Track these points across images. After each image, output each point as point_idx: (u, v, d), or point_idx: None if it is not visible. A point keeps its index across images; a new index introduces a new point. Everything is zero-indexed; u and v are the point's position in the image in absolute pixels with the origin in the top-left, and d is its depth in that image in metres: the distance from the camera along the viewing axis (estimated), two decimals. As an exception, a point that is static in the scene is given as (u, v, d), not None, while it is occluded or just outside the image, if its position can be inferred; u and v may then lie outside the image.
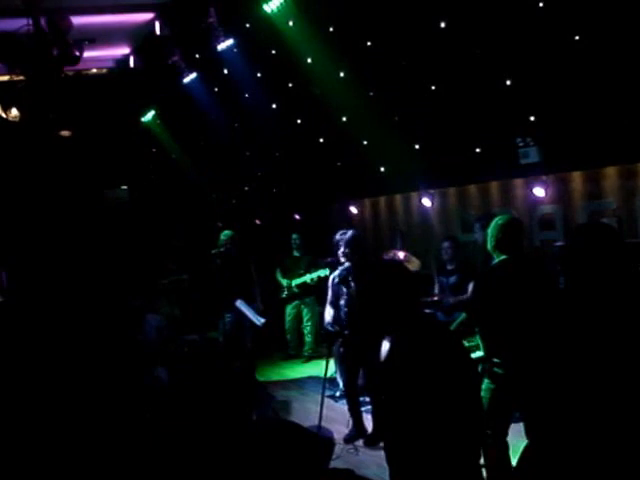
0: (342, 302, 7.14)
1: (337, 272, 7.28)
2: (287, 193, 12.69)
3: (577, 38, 6.82)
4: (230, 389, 6.76)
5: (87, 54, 7.92)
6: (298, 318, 11.32)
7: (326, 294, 7.46)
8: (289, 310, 11.32)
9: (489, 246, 5.30)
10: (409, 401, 3.27)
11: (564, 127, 7.48)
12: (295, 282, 11.06)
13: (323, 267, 10.41)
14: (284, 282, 11.17)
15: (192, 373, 7.88)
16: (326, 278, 10.37)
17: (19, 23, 7.23)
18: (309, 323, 11.17)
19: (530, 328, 4.15)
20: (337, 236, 7.18)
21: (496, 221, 5.33)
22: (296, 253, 11.28)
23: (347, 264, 7.15)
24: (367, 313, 5.45)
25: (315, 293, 11.04)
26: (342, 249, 7.07)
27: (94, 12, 8.42)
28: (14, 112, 7.68)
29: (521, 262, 5.22)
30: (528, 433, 3.55)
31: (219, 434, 4.93)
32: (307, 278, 10.89)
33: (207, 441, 4.83)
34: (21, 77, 7.57)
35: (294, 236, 11.28)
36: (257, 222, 13.52)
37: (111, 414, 5.95)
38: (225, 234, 9.40)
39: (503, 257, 5.20)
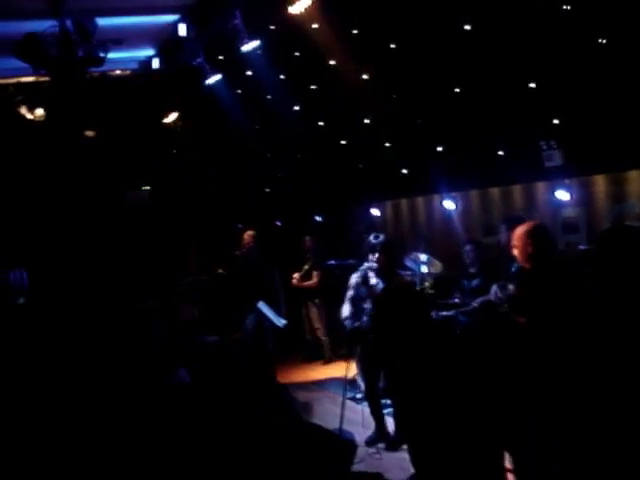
0: (366, 305, 7.11)
1: (358, 272, 7.25)
2: (308, 195, 12.69)
3: (602, 41, 6.78)
4: (250, 391, 6.76)
5: (111, 55, 7.94)
6: (310, 320, 11.34)
7: (334, 295, 7.45)
8: (303, 312, 11.35)
9: (521, 256, 5.21)
10: (425, 404, 3.27)
11: (588, 130, 7.44)
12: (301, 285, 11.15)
13: (321, 270, 10.50)
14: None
15: (212, 374, 7.89)
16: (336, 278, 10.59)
17: (45, 24, 7.27)
18: (319, 325, 11.17)
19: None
20: (371, 239, 7.15)
21: (520, 229, 5.24)
22: (308, 255, 11.32)
23: (367, 264, 7.14)
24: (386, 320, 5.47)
25: (320, 295, 11.08)
26: (376, 254, 7.05)
27: (119, 13, 8.45)
28: (39, 112, 7.74)
29: (556, 267, 5.14)
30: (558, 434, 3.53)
31: (239, 436, 4.93)
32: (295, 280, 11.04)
33: (227, 442, 4.82)
34: (46, 78, 7.62)
35: (307, 238, 11.32)
36: (277, 224, 13.53)
37: (131, 414, 5.96)
38: (248, 234, 9.43)
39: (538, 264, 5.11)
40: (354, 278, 7.36)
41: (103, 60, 7.46)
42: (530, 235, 5.09)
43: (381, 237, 7.14)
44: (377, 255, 7.01)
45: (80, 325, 8.34)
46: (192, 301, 10.78)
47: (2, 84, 9.75)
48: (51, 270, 11.40)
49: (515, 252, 5.25)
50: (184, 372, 7.67)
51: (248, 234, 9.46)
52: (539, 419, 4.94)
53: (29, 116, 7.78)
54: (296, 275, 11.05)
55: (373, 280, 7.11)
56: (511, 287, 7.22)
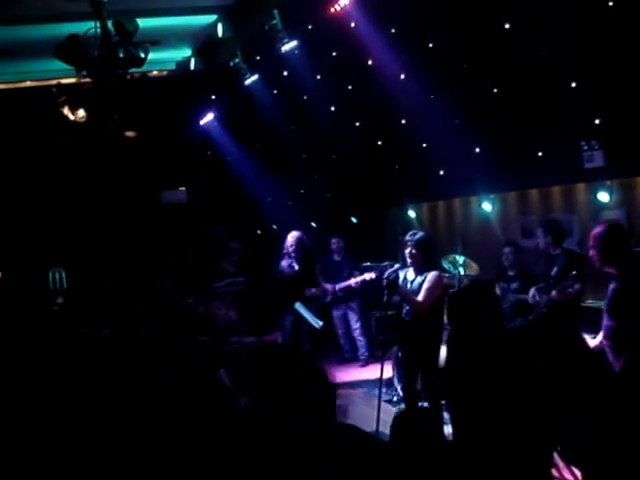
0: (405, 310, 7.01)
1: (388, 272, 7.13)
2: (344, 196, 12.66)
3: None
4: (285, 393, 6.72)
5: (148, 56, 7.99)
6: (346, 322, 11.29)
7: (370, 298, 7.31)
8: (336, 314, 11.30)
9: (596, 258, 5.15)
10: (472, 406, 3.26)
11: (631, 130, 7.32)
12: (339, 286, 11.06)
13: (365, 270, 10.45)
14: (327, 286, 11.15)
15: (249, 375, 7.86)
16: (371, 281, 10.48)
17: (86, 26, 7.34)
18: (357, 326, 11.14)
19: None
20: (407, 237, 7.05)
21: (598, 230, 5.19)
22: (336, 257, 11.27)
23: (397, 265, 7.06)
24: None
25: (360, 297, 11.02)
26: (409, 249, 6.95)
27: (158, 14, 8.53)
28: (81, 113, 7.82)
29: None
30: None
31: (273, 436, 4.88)
32: (352, 282, 10.92)
33: (260, 442, 4.79)
34: (87, 79, 7.69)
35: (334, 240, 11.29)
36: (312, 225, 13.51)
37: (175, 411, 5.96)
38: (291, 235, 9.40)
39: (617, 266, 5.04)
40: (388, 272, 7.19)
41: (144, 61, 7.50)
42: (611, 235, 5.04)
43: (419, 234, 7.05)
44: (409, 249, 6.94)
45: (117, 323, 8.39)
46: (230, 302, 10.79)
47: (45, 86, 9.92)
48: (89, 270, 11.53)
49: (592, 253, 5.18)
50: (224, 373, 7.66)
51: (291, 235, 9.43)
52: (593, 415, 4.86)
53: (71, 117, 7.85)
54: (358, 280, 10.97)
55: (410, 275, 7.01)
56: (554, 293, 7.12)
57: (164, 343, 7.63)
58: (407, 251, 6.93)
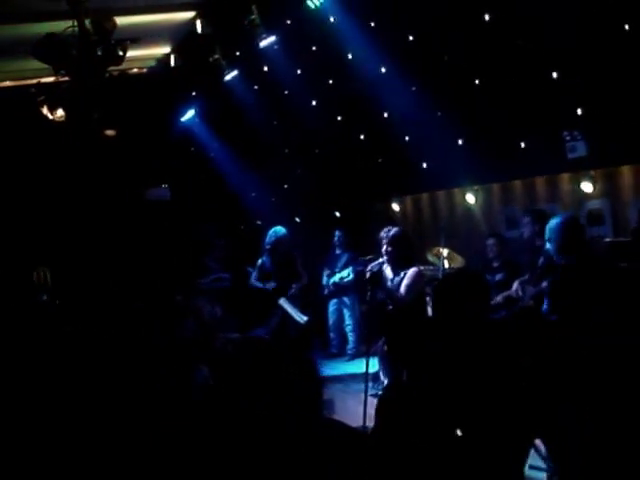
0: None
1: (371, 265, 7.12)
2: (327, 191, 12.63)
3: (627, 27, 6.68)
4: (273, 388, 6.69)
5: (128, 53, 7.93)
6: (340, 316, 11.28)
7: (367, 293, 7.33)
8: (331, 308, 11.30)
9: (553, 249, 5.15)
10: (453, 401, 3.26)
11: (613, 120, 7.34)
12: (332, 280, 11.05)
13: (361, 264, 10.43)
14: (324, 280, 11.17)
15: (234, 371, 7.81)
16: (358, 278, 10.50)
17: (63, 25, 7.28)
18: (350, 321, 11.13)
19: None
20: (382, 233, 7.09)
21: (555, 222, 5.18)
22: (337, 250, 11.26)
23: (380, 260, 7.05)
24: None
25: (356, 291, 11.00)
26: (385, 247, 6.96)
27: (136, 12, 8.46)
28: (60, 112, 7.75)
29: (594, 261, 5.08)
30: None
31: (259, 433, 4.85)
32: (337, 277, 10.91)
33: (246, 440, 4.77)
34: (66, 78, 7.63)
35: (338, 233, 11.26)
36: (297, 220, 13.47)
37: (159, 411, 5.91)
38: (272, 232, 9.35)
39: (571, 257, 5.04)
40: (371, 265, 7.18)
41: (122, 59, 7.45)
42: (566, 227, 5.04)
43: (393, 230, 7.05)
44: (385, 247, 6.93)
45: (101, 321, 8.33)
46: (215, 299, 10.74)
47: (24, 85, 9.84)
48: (74, 268, 11.45)
49: (548, 245, 5.19)
50: (206, 369, 7.61)
51: (271, 231, 9.39)
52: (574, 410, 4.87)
53: (50, 116, 7.79)
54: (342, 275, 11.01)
55: (389, 272, 7.00)
56: (545, 284, 7.10)
57: (164, 343, 7.58)
58: (383, 249, 6.94)
